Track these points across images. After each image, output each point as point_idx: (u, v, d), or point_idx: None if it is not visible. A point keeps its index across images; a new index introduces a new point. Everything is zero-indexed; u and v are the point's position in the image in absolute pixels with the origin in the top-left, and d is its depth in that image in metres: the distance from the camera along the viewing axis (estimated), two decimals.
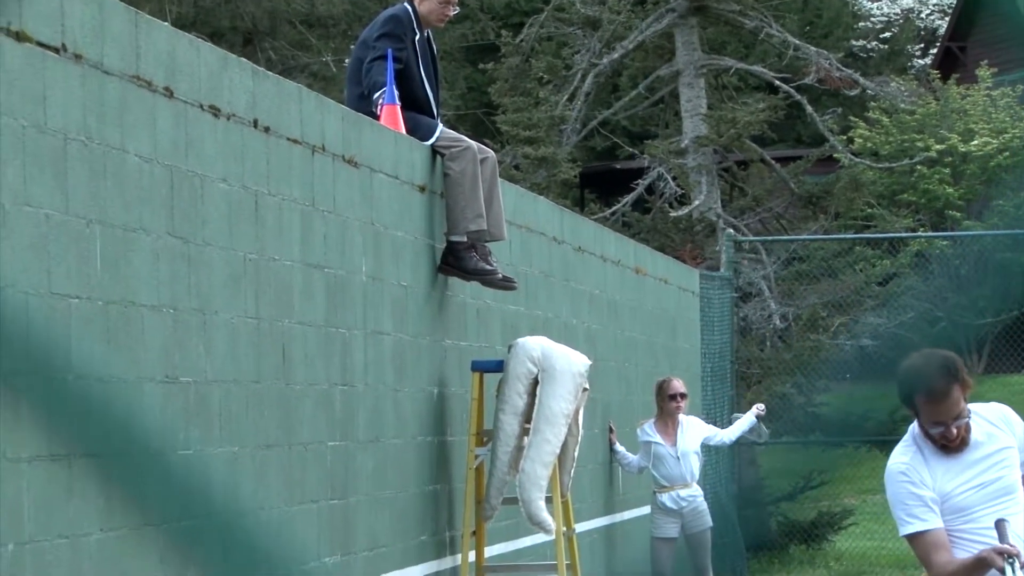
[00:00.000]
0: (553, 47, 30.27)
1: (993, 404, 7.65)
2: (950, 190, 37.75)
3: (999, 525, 7.24)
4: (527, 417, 11.17)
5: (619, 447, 16.01)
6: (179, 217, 7.49)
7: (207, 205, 7.77)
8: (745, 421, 17.00)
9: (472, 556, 11.26)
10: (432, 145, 11.05)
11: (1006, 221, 36.98)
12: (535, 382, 11.22)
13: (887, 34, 47.49)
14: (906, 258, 33.82)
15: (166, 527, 7.28)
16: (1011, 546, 7.16)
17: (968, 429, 7.36)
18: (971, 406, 7.44)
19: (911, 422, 7.48)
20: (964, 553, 7.33)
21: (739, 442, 18.04)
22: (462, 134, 11.55)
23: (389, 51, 11.05)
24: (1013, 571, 7.12)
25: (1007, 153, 37.83)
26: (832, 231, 28.60)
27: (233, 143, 8.07)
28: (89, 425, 6.67)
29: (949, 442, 7.36)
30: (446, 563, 11.03)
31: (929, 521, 7.34)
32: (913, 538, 7.39)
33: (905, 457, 7.43)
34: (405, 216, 10.51)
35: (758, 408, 17.17)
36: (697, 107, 27.57)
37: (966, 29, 46.56)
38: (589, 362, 11.63)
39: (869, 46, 46.43)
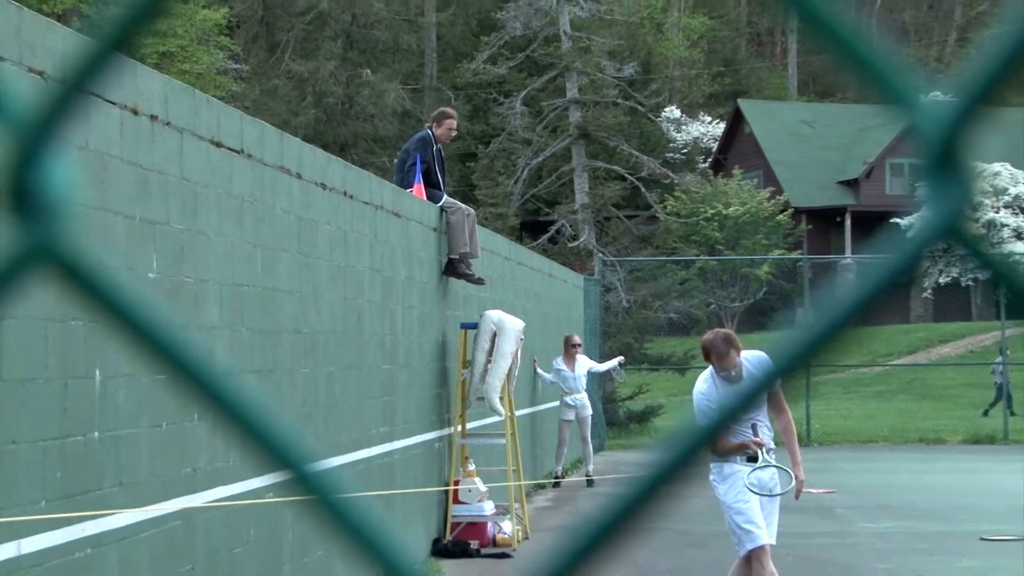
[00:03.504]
0: (506, 154, 30.16)
1: (755, 351, 7.55)
2: (718, 235, 37.88)
3: (754, 427, 7.21)
4: (490, 353, 11.12)
5: (540, 371, 15.95)
6: (303, 243, 7.42)
7: (318, 237, 7.70)
8: (611, 363, 17.00)
9: (459, 428, 11.21)
10: (440, 206, 11.00)
11: (748, 251, 37.25)
12: (494, 334, 11.18)
13: (685, 150, 47.44)
14: (694, 271, 33.92)
15: (293, 409, 7.21)
16: (760, 439, 7.16)
17: (740, 370, 7.28)
18: (743, 353, 7.34)
19: (701, 362, 7.39)
20: (733, 440, 7.30)
21: (606, 375, 18.07)
22: (456, 200, 11.50)
23: (418, 156, 11.02)
24: (763, 455, 7.11)
25: (747, 215, 38.12)
26: (655, 255, 28.61)
27: (333, 204, 8.01)
28: (254, 353, 6.60)
29: (729, 380, 7.30)
30: (446, 431, 10.98)
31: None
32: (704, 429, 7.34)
33: (704, 385, 7.33)
34: (425, 244, 10.45)
35: (620, 359, 17.19)
36: (583, 187, 27.55)
37: (727, 148, 47.18)
38: (523, 324, 11.58)
39: (675, 156, 46.37)
